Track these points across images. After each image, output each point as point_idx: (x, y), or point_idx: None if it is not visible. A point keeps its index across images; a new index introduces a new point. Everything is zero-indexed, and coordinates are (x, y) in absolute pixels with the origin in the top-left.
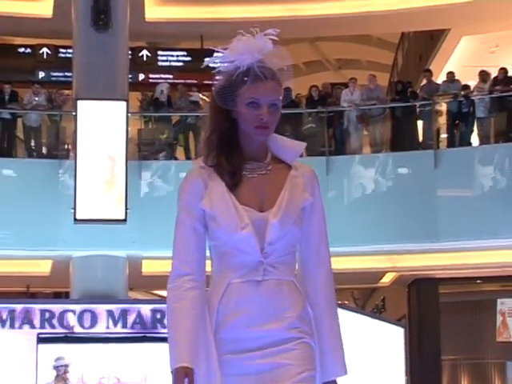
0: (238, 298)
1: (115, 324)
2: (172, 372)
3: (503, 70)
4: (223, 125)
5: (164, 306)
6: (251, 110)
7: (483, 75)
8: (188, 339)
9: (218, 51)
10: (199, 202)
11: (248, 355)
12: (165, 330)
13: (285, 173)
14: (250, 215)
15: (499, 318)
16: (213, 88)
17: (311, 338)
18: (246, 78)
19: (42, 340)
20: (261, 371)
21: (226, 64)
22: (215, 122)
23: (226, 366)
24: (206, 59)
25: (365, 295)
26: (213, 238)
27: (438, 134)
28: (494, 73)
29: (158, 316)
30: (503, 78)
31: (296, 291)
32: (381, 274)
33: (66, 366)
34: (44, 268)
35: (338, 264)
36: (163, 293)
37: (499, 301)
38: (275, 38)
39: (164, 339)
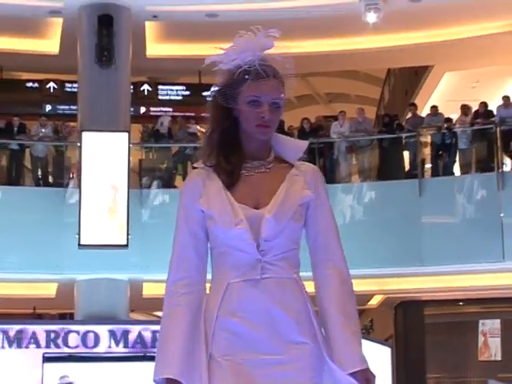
0: (239, 298)
1: (117, 344)
2: (155, 381)
3: (483, 104)
4: (224, 123)
5: None
6: (252, 108)
7: (465, 109)
8: (179, 348)
9: (219, 49)
10: (197, 202)
11: (252, 359)
12: None
13: (286, 171)
14: (245, 212)
15: (481, 339)
16: (214, 86)
17: (315, 339)
18: (247, 76)
19: (47, 359)
20: (266, 379)
21: (227, 62)
22: (216, 121)
23: (225, 367)
24: (209, 58)
25: None
26: (212, 238)
27: (423, 164)
28: (474, 106)
29: (158, 336)
30: (483, 112)
31: (297, 289)
32: (369, 296)
33: (71, 383)
34: (50, 291)
35: None
36: None
37: (481, 322)
38: (277, 35)
39: None
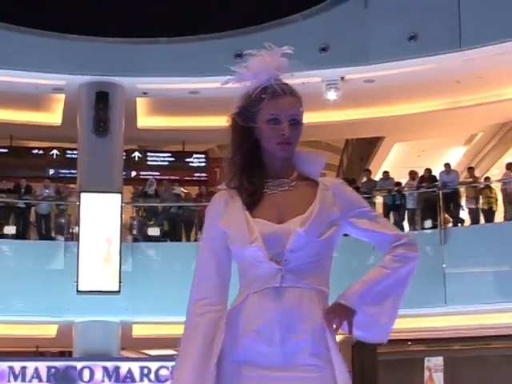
0: (258, 306)
1: (110, 378)
2: None
3: (428, 170)
4: (245, 145)
5: (150, 363)
6: (272, 126)
7: (412, 174)
8: (190, 371)
9: (235, 71)
10: (218, 222)
11: (258, 374)
12: None
13: (309, 188)
14: (263, 227)
15: (426, 373)
16: (234, 109)
17: (327, 359)
18: (264, 95)
19: None
20: None
21: (243, 84)
22: (237, 143)
23: (238, 373)
24: (224, 79)
25: None
26: (233, 256)
27: None
28: (420, 172)
29: (146, 371)
30: (428, 177)
31: (316, 301)
32: None
33: None
34: (51, 331)
35: None
36: (151, 352)
37: (426, 359)
38: (291, 52)
39: None
